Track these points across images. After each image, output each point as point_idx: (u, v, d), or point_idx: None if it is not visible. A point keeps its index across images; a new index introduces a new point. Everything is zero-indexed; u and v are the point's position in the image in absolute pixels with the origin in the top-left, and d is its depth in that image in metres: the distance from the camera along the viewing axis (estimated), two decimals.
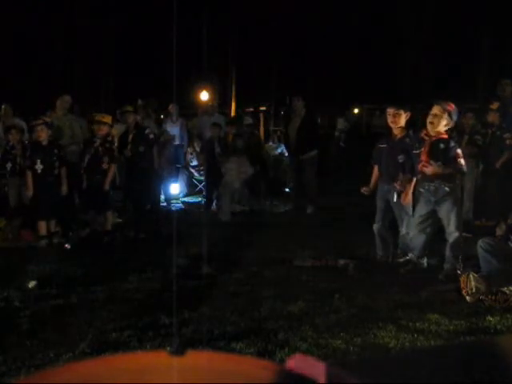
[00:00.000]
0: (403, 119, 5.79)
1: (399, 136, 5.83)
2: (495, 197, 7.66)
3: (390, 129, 5.94)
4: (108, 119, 7.77)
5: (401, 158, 5.75)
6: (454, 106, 5.46)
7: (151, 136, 8.16)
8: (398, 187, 5.74)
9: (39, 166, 7.24)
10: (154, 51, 20.10)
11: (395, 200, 5.78)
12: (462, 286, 4.79)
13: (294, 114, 9.93)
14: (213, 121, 10.32)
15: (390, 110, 5.81)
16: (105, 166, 7.55)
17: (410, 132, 5.87)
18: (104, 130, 7.61)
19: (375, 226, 6.00)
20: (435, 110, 5.40)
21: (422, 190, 5.59)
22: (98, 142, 7.60)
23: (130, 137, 7.95)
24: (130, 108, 8.32)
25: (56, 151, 7.40)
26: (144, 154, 7.92)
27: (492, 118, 7.90)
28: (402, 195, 5.74)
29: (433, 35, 17.78)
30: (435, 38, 17.72)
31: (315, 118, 10.68)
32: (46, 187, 7.23)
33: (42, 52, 18.01)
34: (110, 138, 7.85)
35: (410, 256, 5.70)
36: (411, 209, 5.75)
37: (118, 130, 8.85)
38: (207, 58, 19.66)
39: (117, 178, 9.05)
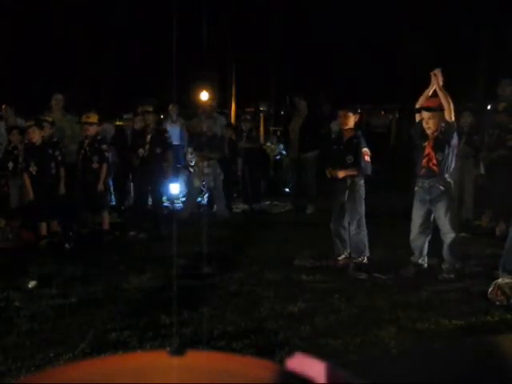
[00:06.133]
0: (352, 120, 5.99)
1: (348, 137, 5.99)
2: (496, 197, 7.66)
3: (340, 130, 6.15)
4: (94, 118, 7.75)
5: (349, 159, 5.88)
6: (436, 100, 5.51)
7: (170, 140, 8.24)
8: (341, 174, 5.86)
9: (34, 168, 7.24)
10: (154, 51, 20.10)
11: (347, 199, 5.85)
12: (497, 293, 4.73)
13: (295, 113, 9.92)
14: (212, 123, 10.31)
15: (340, 112, 6.05)
16: (95, 165, 7.54)
17: (359, 132, 6.04)
18: (91, 129, 7.60)
19: (332, 226, 6.05)
20: (424, 115, 5.48)
21: (416, 188, 5.64)
22: (87, 142, 7.62)
23: (148, 137, 7.93)
24: (150, 108, 8.29)
25: (51, 151, 7.37)
26: (160, 156, 7.95)
27: (499, 118, 7.88)
28: (339, 170, 5.84)
29: (432, 35, 17.78)
30: (435, 37, 17.71)
31: (317, 117, 10.64)
32: (43, 188, 7.22)
33: (42, 52, 18.00)
34: (99, 137, 7.84)
35: (411, 258, 5.70)
36: (363, 208, 5.86)
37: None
38: (207, 57, 19.66)
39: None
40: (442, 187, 5.46)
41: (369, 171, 5.89)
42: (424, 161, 5.50)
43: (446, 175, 5.49)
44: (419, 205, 5.61)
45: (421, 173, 5.56)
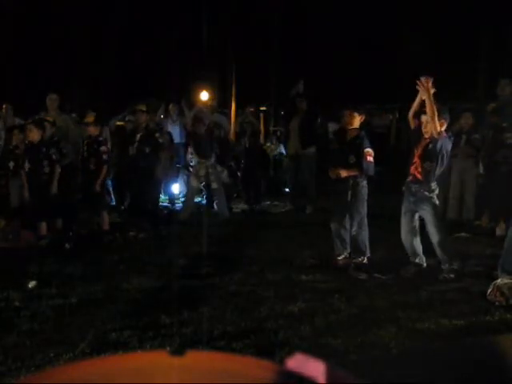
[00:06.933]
0: (357, 121, 6.04)
1: (351, 137, 6.02)
2: (496, 197, 7.66)
3: (344, 130, 6.16)
4: (90, 118, 7.75)
5: (351, 159, 5.90)
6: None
7: (160, 140, 8.20)
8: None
9: (27, 166, 7.27)
10: (154, 51, 20.09)
11: (349, 199, 5.86)
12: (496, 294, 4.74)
13: (295, 112, 9.92)
14: (212, 120, 10.32)
15: (346, 112, 6.08)
16: (92, 167, 7.55)
17: (363, 133, 6.06)
18: (89, 130, 7.61)
19: (333, 226, 6.07)
20: (423, 119, 5.52)
21: (404, 188, 5.74)
22: (86, 142, 7.65)
23: (138, 136, 7.95)
24: (142, 107, 8.28)
25: (45, 150, 7.36)
26: (148, 156, 7.93)
27: (493, 118, 7.89)
28: (341, 170, 5.85)
29: (432, 35, 17.78)
30: (435, 37, 17.71)
31: (316, 116, 10.65)
32: (35, 187, 7.23)
33: (42, 52, 18.00)
34: (101, 139, 7.84)
35: (411, 259, 5.72)
36: (365, 209, 5.88)
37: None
38: (207, 57, 19.64)
39: None
40: (426, 192, 5.55)
41: (371, 172, 5.89)
42: (412, 168, 5.62)
43: (434, 181, 5.54)
44: (405, 205, 5.72)
45: (409, 179, 5.68)
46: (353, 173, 5.84)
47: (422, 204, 5.56)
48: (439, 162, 5.50)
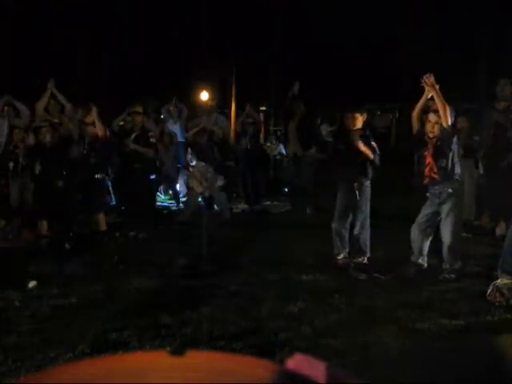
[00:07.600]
0: (360, 121, 6.10)
1: (357, 137, 6.04)
2: (496, 197, 7.65)
3: (348, 131, 6.20)
4: (90, 119, 7.75)
5: (359, 158, 5.95)
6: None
7: (152, 140, 8.22)
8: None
9: (38, 167, 7.27)
10: (154, 51, 20.09)
11: (352, 200, 5.90)
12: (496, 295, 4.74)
13: (293, 114, 9.92)
14: (212, 121, 10.32)
15: (348, 115, 6.18)
16: (93, 166, 7.58)
17: (367, 132, 6.13)
18: (90, 130, 7.63)
19: (334, 225, 6.08)
20: (432, 118, 5.49)
21: (428, 193, 5.68)
22: (87, 142, 7.67)
23: (133, 135, 8.02)
24: (139, 109, 8.30)
25: (57, 152, 7.39)
26: (140, 155, 7.97)
27: (496, 117, 7.87)
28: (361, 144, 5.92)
29: (432, 35, 17.78)
30: (435, 37, 17.72)
31: (315, 117, 10.66)
32: (45, 187, 7.24)
33: (42, 52, 18.00)
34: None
35: (412, 258, 5.71)
36: (368, 209, 5.92)
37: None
38: (207, 57, 19.64)
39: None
40: (450, 190, 5.50)
41: (378, 162, 5.99)
42: (426, 170, 5.59)
43: (456, 177, 5.51)
44: (428, 206, 5.66)
45: (425, 182, 5.65)
46: (369, 154, 5.89)
47: (445, 203, 5.53)
48: (455, 154, 5.47)
